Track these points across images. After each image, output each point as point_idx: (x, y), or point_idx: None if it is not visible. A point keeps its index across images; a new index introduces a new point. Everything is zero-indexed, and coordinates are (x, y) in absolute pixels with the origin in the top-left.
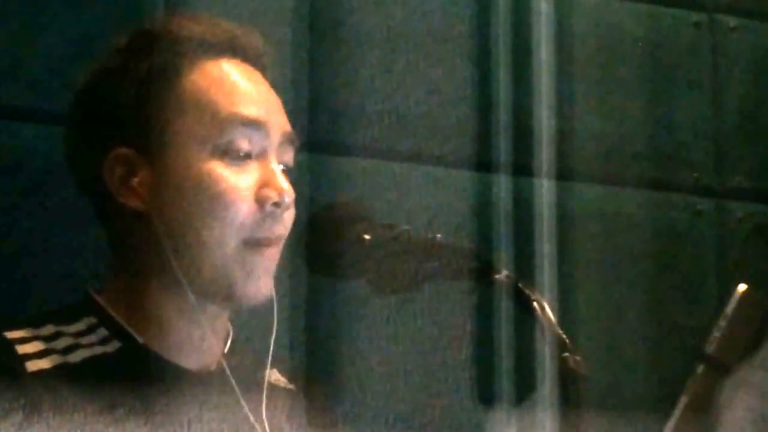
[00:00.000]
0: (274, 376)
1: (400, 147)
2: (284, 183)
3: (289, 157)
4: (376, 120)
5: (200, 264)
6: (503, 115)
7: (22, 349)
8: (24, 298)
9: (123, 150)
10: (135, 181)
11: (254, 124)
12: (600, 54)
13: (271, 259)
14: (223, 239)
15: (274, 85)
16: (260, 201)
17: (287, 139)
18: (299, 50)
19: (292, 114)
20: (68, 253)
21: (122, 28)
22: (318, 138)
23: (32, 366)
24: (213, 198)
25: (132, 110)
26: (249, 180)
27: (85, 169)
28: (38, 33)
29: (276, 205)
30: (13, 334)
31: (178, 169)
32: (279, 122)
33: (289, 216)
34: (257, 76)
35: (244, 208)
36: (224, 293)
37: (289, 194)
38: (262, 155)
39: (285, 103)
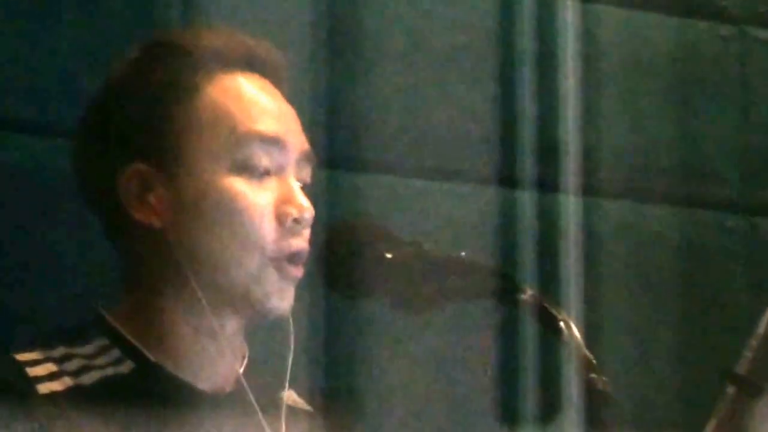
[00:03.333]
0: (291, 397)
1: (422, 163)
2: (304, 200)
3: (307, 173)
4: (398, 135)
5: (219, 281)
6: (528, 130)
7: (33, 371)
8: (34, 318)
9: (138, 165)
10: (151, 197)
11: (272, 141)
12: (627, 67)
13: (291, 275)
14: (243, 256)
15: (292, 100)
16: (280, 218)
17: (305, 156)
18: (318, 64)
19: (310, 129)
20: (79, 271)
21: (137, 40)
22: (338, 154)
23: (44, 389)
24: (232, 214)
25: (147, 124)
26: (268, 196)
27: (98, 185)
28: (50, 45)
29: (296, 221)
30: (23, 356)
31: (195, 185)
32: (297, 139)
33: (308, 233)
34: (275, 91)
35: (264, 225)
36: (244, 310)
37: (309, 211)
38: (280, 171)
39: (303, 118)
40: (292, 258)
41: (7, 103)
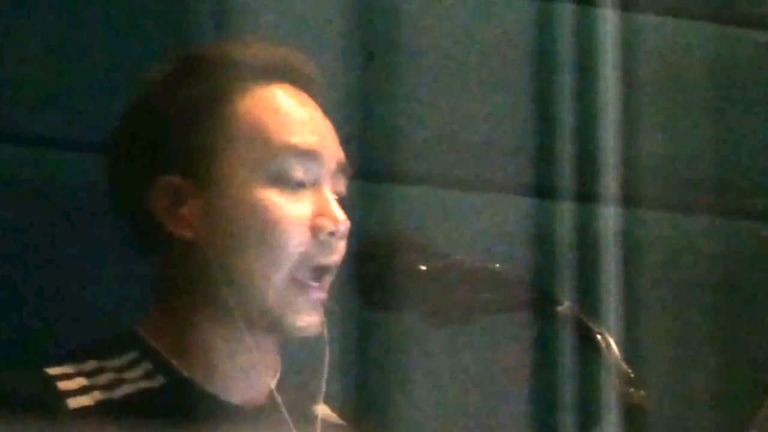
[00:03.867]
0: (325, 411)
1: (457, 173)
2: (339, 212)
3: (342, 186)
4: (433, 146)
5: (253, 294)
6: (566, 140)
7: (64, 385)
8: (65, 332)
9: (171, 178)
10: (184, 210)
11: (308, 154)
12: (665, 76)
13: (317, 296)
14: (277, 269)
15: (326, 111)
16: (315, 230)
17: (341, 168)
18: (352, 75)
19: (344, 140)
20: (110, 284)
21: (169, 53)
22: (371, 165)
23: (74, 403)
24: (267, 227)
25: (179, 137)
26: (303, 209)
27: (131, 198)
28: (82, 60)
29: (331, 234)
30: (54, 370)
31: (229, 198)
32: (332, 151)
33: (343, 245)
34: (309, 102)
35: (298, 237)
36: (277, 324)
37: (344, 224)
38: (315, 184)
39: (337, 129)
40: (322, 271)
41: (38, 118)
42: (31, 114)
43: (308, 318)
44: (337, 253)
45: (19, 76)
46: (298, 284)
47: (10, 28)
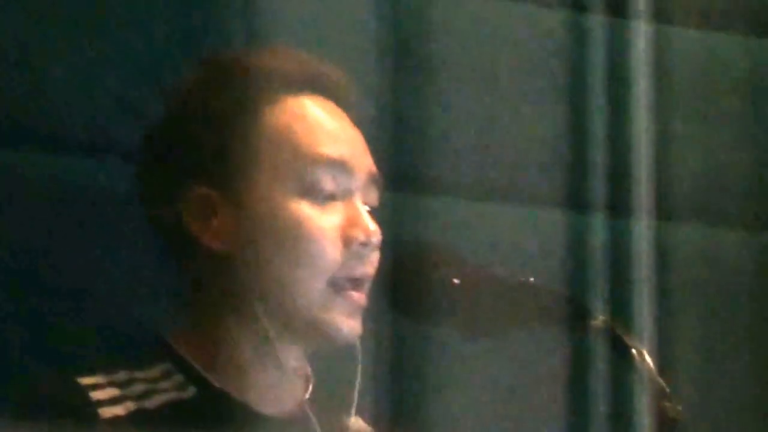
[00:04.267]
0: (357, 423)
1: (492, 186)
2: (371, 223)
3: (374, 197)
4: (466, 158)
5: (284, 306)
6: (599, 152)
7: (96, 395)
8: (97, 343)
9: (202, 189)
10: (215, 221)
11: (339, 165)
12: (699, 89)
13: (358, 300)
14: (309, 280)
15: (358, 122)
16: (347, 241)
17: (372, 179)
18: (384, 87)
19: (376, 151)
20: (142, 295)
21: (200, 62)
22: (405, 177)
23: (106, 413)
24: (298, 238)
25: (211, 147)
26: (334, 220)
27: (162, 209)
28: (111, 67)
29: (363, 245)
30: (86, 380)
31: (260, 209)
32: (364, 162)
33: (375, 257)
34: (340, 113)
35: (330, 249)
36: (310, 335)
37: (376, 234)
38: (347, 195)
39: (369, 140)
40: (356, 283)
41: (68, 125)
42: (64, 121)
43: (349, 323)
44: (370, 264)
45: (51, 84)
46: (336, 292)
47: (43, 35)
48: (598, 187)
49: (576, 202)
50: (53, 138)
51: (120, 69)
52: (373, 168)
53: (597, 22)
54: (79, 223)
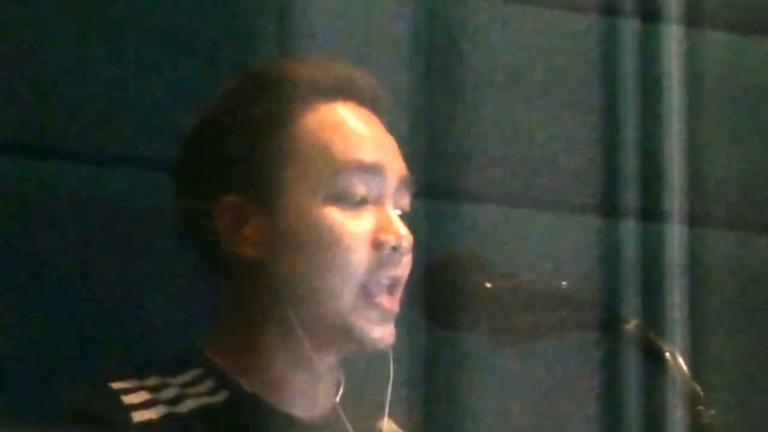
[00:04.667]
0: (390, 427)
1: (523, 192)
2: (402, 227)
3: (406, 201)
4: (498, 164)
5: (317, 312)
6: (631, 158)
7: (128, 399)
8: (128, 349)
9: (233, 197)
10: (246, 229)
11: (371, 169)
12: (732, 93)
13: (390, 305)
14: (341, 286)
15: (391, 129)
16: (377, 246)
17: (404, 183)
18: (417, 94)
19: (409, 159)
20: (173, 302)
21: (233, 72)
22: (437, 184)
23: (138, 416)
24: (329, 245)
25: (243, 156)
26: (365, 225)
27: (195, 217)
28: (146, 79)
29: (394, 249)
30: (118, 384)
31: (291, 216)
32: (395, 166)
33: (407, 261)
34: (373, 119)
35: (361, 254)
36: (343, 340)
37: (407, 239)
38: (378, 200)
39: (402, 148)
40: (388, 287)
41: (103, 137)
42: (97, 132)
43: (382, 329)
44: (402, 268)
45: (84, 95)
46: (368, 297)
47: (75, 49)
48: (630, 193)
49: (608, 207)
50: (88, 150)
51: (154, 81)
52: (405, 172)
53: (628, 26)
54: (113, 233)
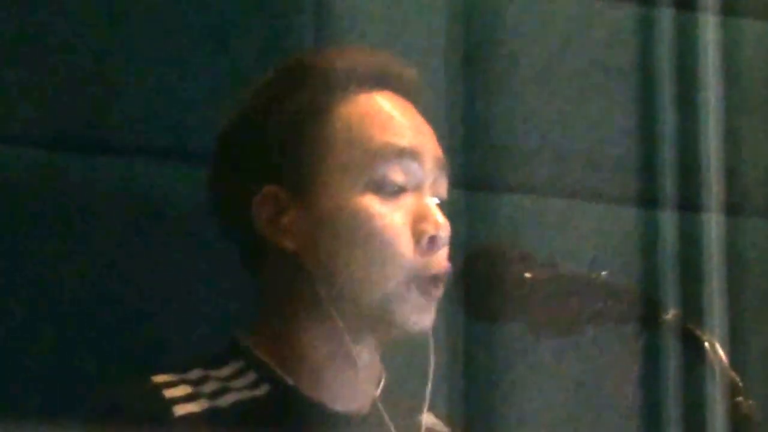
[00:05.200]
0: (430, 420)
1: (561, 183)
2: (440, 217)
3: (443, 189)
4: (537, 155)
5: (356, 302)
6: (669, 148)
7: (170, 393)
8: (170, 343)
9: (271, 188)
10: (284, 219)
11: (408, 154)
12: None
13: (431, 294)
14: (380, 277)
15: (429, 119)
16: (417, 236)
17: (441, 169)
18: (454, 84)
19: (447, 150)
20: (214, 296)
21: (271, 63)
22: (475, 175)
23: (180, 410)
24: (368, 235)
25: (281, 146)
26: (404, 215)
27: (233, 209)
28: (182, 71)
29: (433, 239)
30: (160, 378)
31: (330, 206)
32: (433, 152)
33: (445, 250)
34: (410, 108)
35: (401, 244)
36: (383, 330)
37: (445, 228)
38: (416, 188)
39: (440, 139)
40: (434, 278)
41: (141, 131)
42: (135, 126)
43: (421, 315)
44: (441, 257)
45: (122, 89)
46: (409, 287)
47: (114, 41)
48: (668, 183)
49: (647, 198)
50: (126, 144)
51: (193, 73)
52: (441, 155)
53: (665, 16)
54: (153, 227)
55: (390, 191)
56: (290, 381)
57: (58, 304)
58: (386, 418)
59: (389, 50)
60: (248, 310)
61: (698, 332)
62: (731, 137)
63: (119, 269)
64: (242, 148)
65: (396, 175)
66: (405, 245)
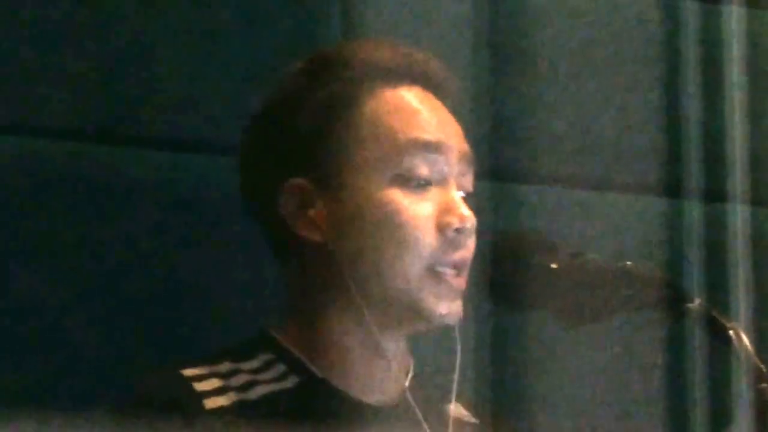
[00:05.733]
0: (458, 410)
1: (587, 173)
2: (465, 209)
3: (469, 182)
4: (562, 146)
5: (383, 294)
6: (694, 139)
7: (200, 386)
8: (199, 335)
9: (298, 180)
10: (311, 211)
11: (434, 149)
12: None
13: (456, 285)
14: (406, 269)
15: (456, 112)
16: (441, 228)
17: (467, 163)
18: (481, 76)
19: (474, 141)
20: (243, 288)
21: (298, 56)
22: (501, 166)
23: (210, 403)
24: (394, 228)
25: (308, 139)
26: (429, 207)
27: (261, 200)
28: (212, 63)
29: (458, 231)
30: (190, 371)
31: (356, 199)
32: (458, 146)
33: (471, 242)
34: (437, 103)
35: (426, 237)
36: (410, 319)
37: (470, 220)
38: (441, 181)
39: (467, 131)
40: (456, 268)
41: (172, 123)
42: (165, 118)
43: (449, 305)
44: (466, 249)
45: (153, 82)
46: (435, 277)
47: (145, 34)
48: (693, 173)
49: (671, 187)
50: (157, 136)
51: (223, 66)
52: (467, 150)
53: (691, 6)
54: (185, 218)
55: (415, 185)
56: (319, 373)
57: (89, 295)
58: (415, 408)
59: (416, 43)
60: (278, 300)
61: (723, 320)
62: (756, 127)
63: (148, 259)
64: (269, 141)
65: (421, 169)
66: (430, 237)
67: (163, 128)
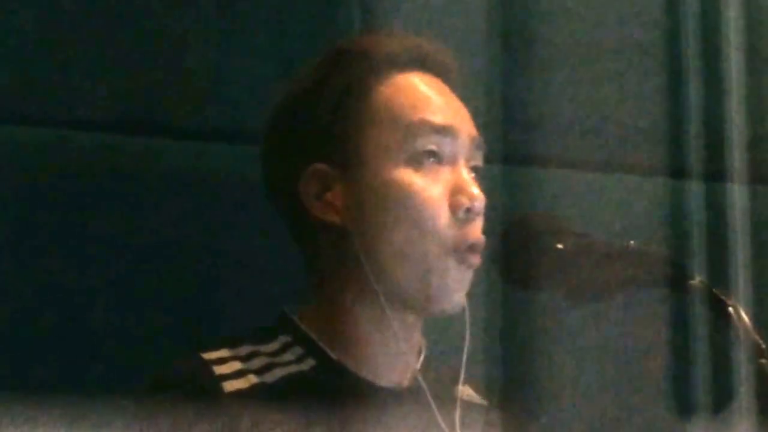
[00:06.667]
0: (467, 391)
1: (593, 156)
2: (476, 189)
3: (479, 160)
4: (569, 129)
5: (398, 275)
6: (696, 121)
7: (219, 369)
8: (220, 319)
9: (317, 165)
10: (329, 195)
11: (443, 131)
12: None
13: (468, 265)
14: (421, 249)
15: (466, 98)
16: (453, 208)
17: (476, 145)
18: (492, 62)
19: (485, 126)
20: (264, 272)
21: (319, 47)
22: (511, 149)
23: (229, 387)
24: (408, 208)
25: (326, 125)
26: (441, 188)
27: (282, 186)
28: (235, 55)
29: (468, 211)
30: (210, 354)
31: (371, 181)
32: (467, 128)
33: (480, 221)
34: (445, 88)
35: (439, 216)
36: (422, 303)
37: (480, 200)
38: (452, 161)
39: (478, 115)
40: (471, 247)
41: (198, 112)
42: (188, 107)
43: (458, 286)
44: (477, 228)
45: (177, 73)
46: (449, 257)
47: (168, 25)
48: (695, 155)
49: (675, 169)
50: (180, 125)
51: (247, 57)
52: (475, 133)
53: None
54: (206, 206)
55: (427, 165)
56: (334, 355)
57: (117, 281)
58: (426, 391)
59: (430, 32)
60: (296, 284)
61: (723, 297)
62: (756, 109)
63: (172, 245)
64: (291, 129)
65: (432, 150)
66: (442, 216)
67: (187, 118)
